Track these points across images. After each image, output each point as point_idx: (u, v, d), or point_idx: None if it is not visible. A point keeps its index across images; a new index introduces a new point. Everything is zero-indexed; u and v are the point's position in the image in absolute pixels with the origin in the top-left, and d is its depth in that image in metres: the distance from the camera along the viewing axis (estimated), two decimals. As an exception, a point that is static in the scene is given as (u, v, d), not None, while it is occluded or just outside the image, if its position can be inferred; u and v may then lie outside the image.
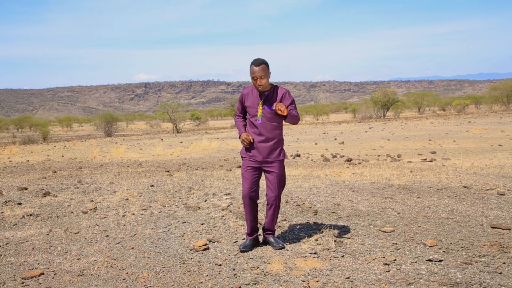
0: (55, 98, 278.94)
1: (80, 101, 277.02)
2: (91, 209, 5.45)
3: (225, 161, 11.67)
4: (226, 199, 5.83)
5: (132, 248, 3.88)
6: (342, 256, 3.43)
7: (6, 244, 4.12)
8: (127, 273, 3.29)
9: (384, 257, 3.36)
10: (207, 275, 3.17)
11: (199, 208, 5.32)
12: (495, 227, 4.08)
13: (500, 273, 3.01)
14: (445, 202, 5.28)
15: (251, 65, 3.55)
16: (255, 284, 3.00)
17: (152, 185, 7.14)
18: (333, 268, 3.21)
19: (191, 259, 3.54)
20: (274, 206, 3.72)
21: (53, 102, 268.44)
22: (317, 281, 2.98)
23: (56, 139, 36.31)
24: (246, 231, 3.81)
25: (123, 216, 5.07)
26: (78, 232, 4.43)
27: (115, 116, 45.98)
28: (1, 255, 3.82)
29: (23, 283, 3.16)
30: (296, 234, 4.13)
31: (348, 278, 3.01)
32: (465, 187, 6.13)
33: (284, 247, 3.71)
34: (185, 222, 4.70)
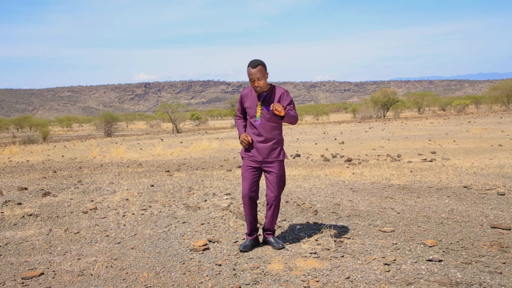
0: (55, 98, 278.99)
1: (80, 101, 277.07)
2: (91, 209, 5.45)
3: (225, 161, 11.67)
4: (226, 199, 5.83)
5: (132, 248, 3.88)
6: (342, 256, 3.43)
7: (6, 244, 4.12)
8: (127, 273, 3.29)
9: (384, 257, 3.36)
10: (207, 275, 3.17)
11: (199, 208, 5.32)
12: (495, 227, 4.08)
13: (500, 273, 3.01)
14: (445, 202, 5.28)
15: (248, 67, 3.53)
16: (255, 284, 3.00)
17: (152, 185, 7.15)
18: (333, 268, 3.21)
19: (191, 259, 3.54)
20: (274, 206, 3.72)
21: (53, 102, 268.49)
22: (317, 281, 2.98)
23: (56, 139, 36.32)
24: (246, 231, 3.81)
25: (123, 216, 5.07)
26: (78, 232, 4.43)
27: (115, 116, 45.98)
28: (1, 255, 3.82)
29: (23, 283, 3.16)
30: (296, 234, 4.13)
31: (348, 278, 3.01)
32: (465, 187, 6.13)
33: (284, 247, 3.71)
34: (185, 222, 4.70)
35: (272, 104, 3.44)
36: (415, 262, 3.26)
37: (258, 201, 3.90)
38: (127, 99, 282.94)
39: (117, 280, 3.16)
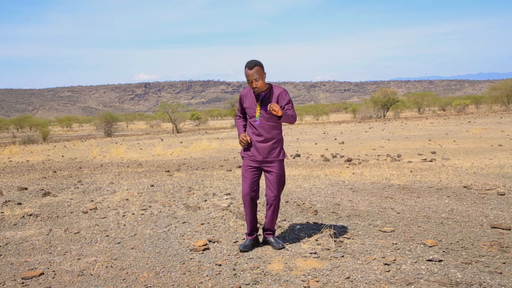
0: (55, 98, 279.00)
1: (80, 101, 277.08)
2: (91, 209, 5.45)
3: (225, 161, 11.68)
4: (226, 199, 5.83)
5: (132, 248, 3.88)
6: (342, 256, 3.43)
7: (6, 244, 4.12)
8: (127, 273, 3.29)
9: (384, 257, 3.36)
10: (207, 275, 3.17)
11: (199, 208, 5.32)
12: (495, 227, 4.08)
13: (500, 273, 3.01)
14: (445, 202, 5.28)
15: (245, 68, 3.53)
16: (255, 284, 3.00)
17: (152, 185, 7.15)
18: (333, 268, 3.21)
19: (191, 259, 3.54)
20: (274, 206, 3.72)
21: (53, 102, 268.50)
22: (317, 281, 2.98)
23: (56, 139, 36.31)
24: (246, 231, 3.81)
25: (123, 216, 5.07)
26: (78, 232, 4.43)
27: (115, 116, 45.98)
28: (1, 255, 3.82)
29: (23, 283, 3.16)
30: (296, 234, 4.13)
31: (348, 278, 3.01)
32: (465, 187, 6.13)
33: (284, 247, 3.71)
34: (185, 222, 4.70)
35: (269, 104, 3.43)
36: (415, 262, 3.26)
37: (258, 201, 3.89)
38: (127, 99, 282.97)
39: (117, 280, 3.16)
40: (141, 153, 15.65)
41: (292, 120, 3.58)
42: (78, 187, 7.26)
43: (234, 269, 3.27)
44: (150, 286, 3.03)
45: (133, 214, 5.14)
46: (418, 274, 3.04)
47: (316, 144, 16.72)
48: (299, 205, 5.33)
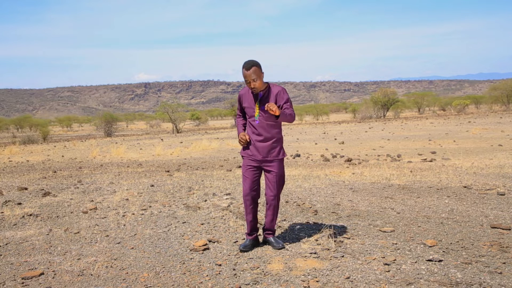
0: (55, 98, 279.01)
1: (80, 101, 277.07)
2: (91, 209, 5.45)
3: (225, 161, 11.68)
4: (226, 199, 5.83)
5: (132, 248, 3.88)
6: (342, 256, 3.43)
7: (6, 244, 4.12)
8: (127, 273, 3.29)
9: (384, 257, 3.36)
10: (207, 275, 3.17)
11: (199, 208, 5.32)
12: (495, 227, 4.08)
13: (500, 273, 3.01)
14: (445, 202, 5.28)
15: (242, 69, 3.52)
16: (255, 284, 3.00)
17: (152, 185, 7.15)
18: (333, 268, 3.21)
19: (191, 259, 3.54)
20: (274, 206, 3.72)
21: (53, 102, 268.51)
22: (317, 281, 2.98)
23: (56, 139, 36.31)
24: (246, 231, 3.81)
25: (123, 216, 5.07)
26: (78, 232, 4.43)
27: (115, 116, 45.98)
28: (1, 255, 3.82)
29: (23, 283, 3.16)
30: (296, 234, 4.13)
31: (348, 278, 3.01)
32: (465, 187, 6.13)
33: (284, 247, 3.71)
34: (185, 222, 4.71)
35: (266, 104, 3.43)
36: (415, 262, 3.26)
37: (258, 201, 3.89)
38: (127, 99, 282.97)
39: (117, 280, 3.16)
40: (141, 153, 15.65)
41: (290, 119, 3.58)
42: (78, 187, 7.26)
43: (234, 269, 3.27)
44: (150, 286, 3.03)
45: (133, 214, 5.14)
46: (418, 274, 3.04)
47: (316, 144, 16.72)
48: (299, 205, 5.33)
